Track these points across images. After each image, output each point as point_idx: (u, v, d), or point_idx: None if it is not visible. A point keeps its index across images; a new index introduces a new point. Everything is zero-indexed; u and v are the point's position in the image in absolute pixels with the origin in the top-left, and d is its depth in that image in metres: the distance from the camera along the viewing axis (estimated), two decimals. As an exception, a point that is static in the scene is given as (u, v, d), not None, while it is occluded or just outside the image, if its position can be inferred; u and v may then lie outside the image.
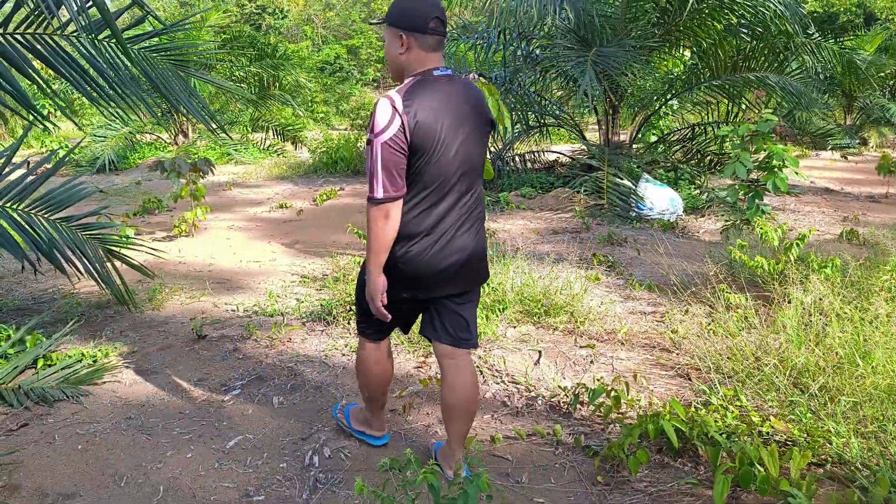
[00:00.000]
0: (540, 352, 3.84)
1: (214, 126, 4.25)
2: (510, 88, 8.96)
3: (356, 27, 39.20)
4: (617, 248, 6.22)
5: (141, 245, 4.77)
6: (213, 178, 11.44)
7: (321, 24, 42.69)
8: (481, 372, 3.63)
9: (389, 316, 2.38)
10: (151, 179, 11.27)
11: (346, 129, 24.83)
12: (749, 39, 8.01)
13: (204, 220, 7.31)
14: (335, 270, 5.51)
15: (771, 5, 7.30)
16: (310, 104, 25.02)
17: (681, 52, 8.81)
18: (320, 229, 7.40)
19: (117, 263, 4.65)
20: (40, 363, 3.72)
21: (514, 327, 4.19)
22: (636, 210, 7.48)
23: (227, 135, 3.97)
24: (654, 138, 10.32)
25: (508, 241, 6.33)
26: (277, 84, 14.99)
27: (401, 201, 2.24)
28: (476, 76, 5.27)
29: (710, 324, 3.89)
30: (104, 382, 3.62)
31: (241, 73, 14.22)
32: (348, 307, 4.45)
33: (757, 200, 6.09)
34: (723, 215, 7.52)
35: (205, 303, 4.96)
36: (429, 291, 2.40)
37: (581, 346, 3.93)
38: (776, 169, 5.92)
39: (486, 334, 3.95)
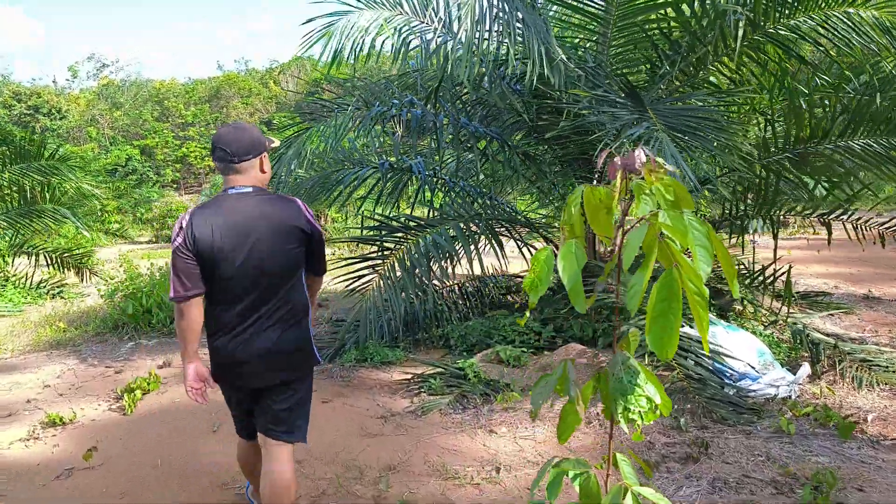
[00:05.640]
0: None
1: None
2: (453, 186, 5.62)
3: (149, 126, 36.17)
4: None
5: None
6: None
7: (108, 125, 39.02)
8: None
9: (204, 399, 2.63)
10: None
11: (149, 242, 20.21)
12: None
13: None
14: None
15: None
16: (99, 214, 20.52)
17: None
18: (144, 495, 3.41)
19: None
20: None
21: None
22: (729, 383, 4.28)
23: None
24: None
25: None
26: (50, 194, 10.56)
27: (194, 300, 2.51)
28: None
29: None
30: None
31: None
32: None
33: None
34: (857, 373, 4.58)
35: None
36: (239, 381, 2.64)
37: None
38: None
39: None
